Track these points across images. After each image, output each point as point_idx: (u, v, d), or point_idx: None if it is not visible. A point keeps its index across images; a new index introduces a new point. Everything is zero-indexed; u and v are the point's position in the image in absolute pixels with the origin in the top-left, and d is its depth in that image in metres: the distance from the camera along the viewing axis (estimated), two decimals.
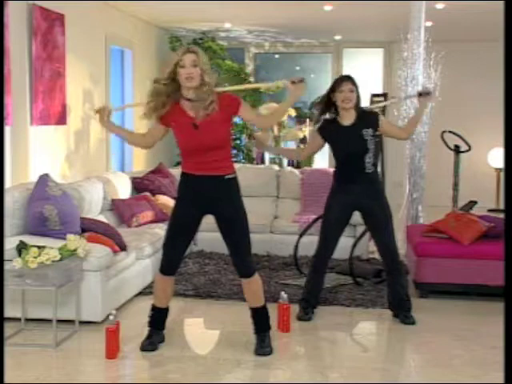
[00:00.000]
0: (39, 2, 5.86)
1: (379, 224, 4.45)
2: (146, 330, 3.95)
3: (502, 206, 8.92)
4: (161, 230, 5.44)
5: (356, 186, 4.40)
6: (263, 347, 3.83)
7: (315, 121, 4.53)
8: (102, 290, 4.27)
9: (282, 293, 4.26)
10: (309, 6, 7.31)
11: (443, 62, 6.56)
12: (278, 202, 6.86)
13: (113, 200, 5.81)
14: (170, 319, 4.03)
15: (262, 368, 3.68)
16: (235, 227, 3.77)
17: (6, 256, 4.04)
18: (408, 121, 4.80)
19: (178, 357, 3.79)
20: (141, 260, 5.03)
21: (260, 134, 4.51)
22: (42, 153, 6.03)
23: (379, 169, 4.71)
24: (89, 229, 4.65)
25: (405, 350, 4.13)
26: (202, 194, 3.74)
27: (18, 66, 5.55)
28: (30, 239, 4.16)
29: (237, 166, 3.90)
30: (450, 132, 7.37)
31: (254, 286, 3.85)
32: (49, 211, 4.42)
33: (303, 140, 8.62)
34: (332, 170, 4.66)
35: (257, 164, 9.13)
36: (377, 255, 5.89)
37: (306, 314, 4.48)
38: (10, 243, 4.12)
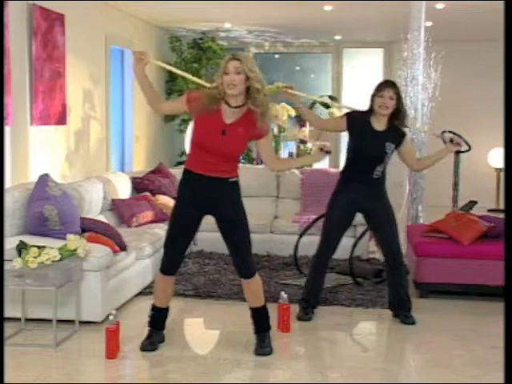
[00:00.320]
0: (39, 2, 5.86)
1: (382, 224, 4.45)
2: (146, 330, 3.95)
3: (502, 206, 8.92)
4: (161, 230, 5.44)
5: (360, 186, 4.39)
6: (263, 347, 3.83)
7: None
8: (102, 290, 4.27)
9: (282, 293, 4.26)
10: (309, 6, 7.32)
11: (443, 62, 6.55)
12: (278, 202, 6.86)
13: (113, 200, 5.81)
14: (170, 319, 4.03)
15: (262, 368, 3.68)
16: (235, 227, 3.77)
17: (6, 256, 4.04)
18: (426, 158, 4.82)
19: (178, 357, 3.79)
20: (141, 260, 5.03)
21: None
22: (42, 153, 6.03)
23: None
24: (89, 229, 4.64)
25: (405, 350, 4.13)
26: (202, 195, 3.73)
27: (18, 66, 5.55)
28: (30, 239, 4.16)
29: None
30: (450, 132, 7.36)
31: (254, 286, 3.85)
32: (49, 211, 4.42)
33: (303, 140, 8.62)
34: (332, 170, 4.65)
35: (257, 164, 9.12)
36: (377, 255, 5.92)
37: (305, 314, 4.48)
38: (10, 243, 4.12)
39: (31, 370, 3.59)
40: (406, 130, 6.19)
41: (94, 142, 7.17)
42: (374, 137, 4.35)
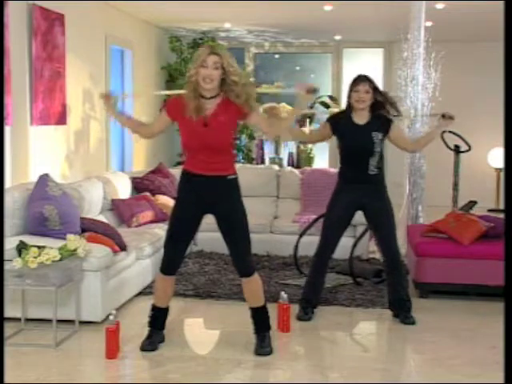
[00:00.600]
0: (39, 2, 5.86)
1: (382, 224, 4.45)
2: (146, 330, 3.95)
3: (502, 206, 8.92)
4: (161, 230, 5.44)
5: (360, 186, 4.41)
6: (263, 347, 3.83)
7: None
8: (102, 290, 4.27)
9: (282, 293, 4.26)
10: (309, 6, 7.31)
11: (443, 62, 6.56)
12: (278, 202, 6.86)
13: (113, 200, 5.81)
14: (169, 319, 4.03)
15: (262, 368, 3.68)
16: (235, 227, 3.77)
17: (6, 256, 4.04)
18: (420, 137, 4.84)
19: (177, 357, 3.79)
20: (141, 260, 5.03)
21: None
22: (42, 153, 6.03)
23: None
24: (89, 229, 4.64)
25: (405, 350, 4.13)
26: (202, 194, 3.74)
27: (18, 66, 5.55)
28: (30, 239, 4.16)
29: (237, 166, 3.90)
30: (450, 132, 7.36)
31: (254, 285, 3.85)
32: (49, 211, 4.42)
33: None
34: (332, 170, 4.66)
35: (257, 164, 9.13)
36: (377, 255, 5.92)
37: (305, 314, 4.48)
38: (10, 243, 4.12)
39: (31, 370, 3.59)
40: (407, 130, 6.24)
41: (94, 142, 7.16)
42: (358, 131, 4.38)
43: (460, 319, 4.59)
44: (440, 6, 7.12)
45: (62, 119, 6.37)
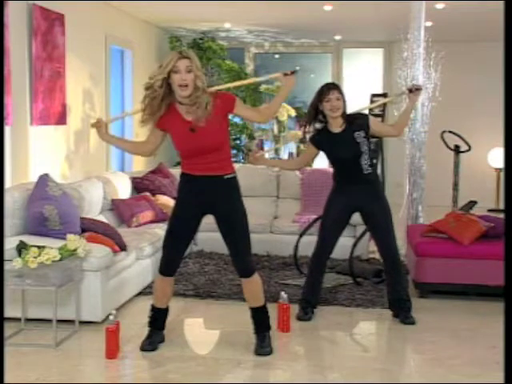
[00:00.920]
0: (39, 2, 5.86)
1: (380, 225, 4.45)
2: (145, 330, 3.95)
3: (502, 206, 8.92)
4: (161, 230, 5.44)
5: (355, 187, 4.40)
6: (263, 347, 3.83)
7: (303, 132, 4.52)
8: (102, 290, 4.27)
9: (282, 293, 4.26)
10: (309, 6, 7.31)
11: (443, 62, 6.56)
12: (278, 202, 6.86)
13: (113, 200, 5.81)
14: (169, 319, 4.03)
15: (262, 368, 3.68)
16: (235, 227, 3.77)
17: (6, 256, 4.04)
18: (398, 118, 4.79)
19: (177, 357, 3.79)
20: (141, 260, 5.03)
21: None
22: (42, 153, 6.03)
23: (379, 169, 4.72)
24: (89, 229, 4.65)
25: (405, 350, 4.13)
26: (201, 195, 3.73)
27: (18, 66, 5.55)
28: (29, 239, 4.16)
29: (237, 166, 3.91)
30: (450, 132, 7.37)
31: (254, 285, 3.85)
32: (49, 211, 4.42)
33: (303, 140, 8.61)
34: (332, 170, 4.65)
35: None
36: (377, 255, 5.90)
37: (305, 314, 4.48)
38: (10, 243, 4.12)
39: (31, 370, 3.59)
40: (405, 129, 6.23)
41: (94, 142, 7.16)
42: (337, 139, 4.36)
43: (460, 319, 4.59)
44: (440, 6, 7.13)
45: (61, 119, 6.37)
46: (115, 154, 8.07)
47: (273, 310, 4.08)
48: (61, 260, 3.93)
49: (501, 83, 4.49)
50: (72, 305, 4.17)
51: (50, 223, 4.41)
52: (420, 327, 4.38)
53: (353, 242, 5.51)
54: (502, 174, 9.02)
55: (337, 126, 4.38)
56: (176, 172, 6.50)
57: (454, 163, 7.04)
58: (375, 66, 10.50)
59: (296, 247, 5.64)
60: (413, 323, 4.41)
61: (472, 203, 7.18)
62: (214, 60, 9.12)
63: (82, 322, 4.21)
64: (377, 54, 10.57)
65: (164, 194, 6.36)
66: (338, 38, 10.08)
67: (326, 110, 4.33)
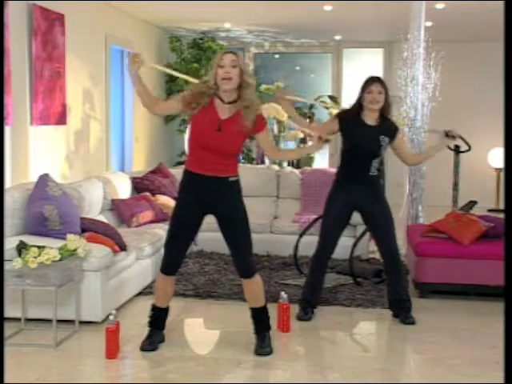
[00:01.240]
0: (39, 2, 5.87)
1: (380, 225, 4.45)
2: (146, 330, 3.95)
3: (502, 206, 8.92)
4: (161, 230, 5.44)
5: (357, 186, 4.41)
6: (263, 347, 3.83)
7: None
8: (102, 290, 4.27)
9: (282, 293, 4.26)
10: (309, 6, 7.32)
11: (443, 62, 6.56)
12: (278, 202, 6.86)
13: (113, 200, 5.81)
14: (169, 319, 4.03)
15: (262, 368, 3.68)
16: (236, 227, 3.77)
17: (6, 256, 4.04)
18: (421, 152, 4.82)
19: (177, 357, 3.79)
20: (141, 260, 5.03)
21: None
22: (42, 153, 6.03)
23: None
24: (89, 229, 4.64)
25: (405, 350, 4.13)
26: (203, 194, 3.73)
27: (18, 66, 5.55)
28: (29, 239, 4.15)
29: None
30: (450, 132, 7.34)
31: (255, 286, 3.85)
32: (49, 211, 4.42)
33: (303, 140, 8.62)
34: (332, 170, 4.65)
35: (257, 164, 9.12)
36: (377, 255, 5.91)
37: (305, 314, 4.48)
38: (10, 243, 4.12)
39: (31, 370, 3.59)
40: (406, 129, 6.23)
41: (94, 141, 7.17)
42: (368, 131, 4.37)
43: (460, 319, 4.59)
44: (440, 6, 7.13)
45: (61, 119, 6.37)
46: (115, 154, 8.07)
47: (273, 310, 4.08)
48: (61, 260, 3.93)
49: (501, 83, 4.49)
50: (72, 305, 4.17)
51: (50, 223, 4.41)
52: (420, 327, 4.38)
53: (353, 241, 5.51)
54: (502, 174, 9.02)
55: (370, 119, 4.38)
56: (176, 172, 6.51)
57: (454, 163, 7.03)
58: (375, 66, 10.49)
59: (296, 247, 5.64)
60: (413, 323, 4.41)
61: (472, 203, 7.17)
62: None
63: (82, 322, 4.21)
64: (377, 54, 10.57)
65: (164, 194, 6.36)
66: (337, 37, 10.08)
67: (366, 102, 4.33)
